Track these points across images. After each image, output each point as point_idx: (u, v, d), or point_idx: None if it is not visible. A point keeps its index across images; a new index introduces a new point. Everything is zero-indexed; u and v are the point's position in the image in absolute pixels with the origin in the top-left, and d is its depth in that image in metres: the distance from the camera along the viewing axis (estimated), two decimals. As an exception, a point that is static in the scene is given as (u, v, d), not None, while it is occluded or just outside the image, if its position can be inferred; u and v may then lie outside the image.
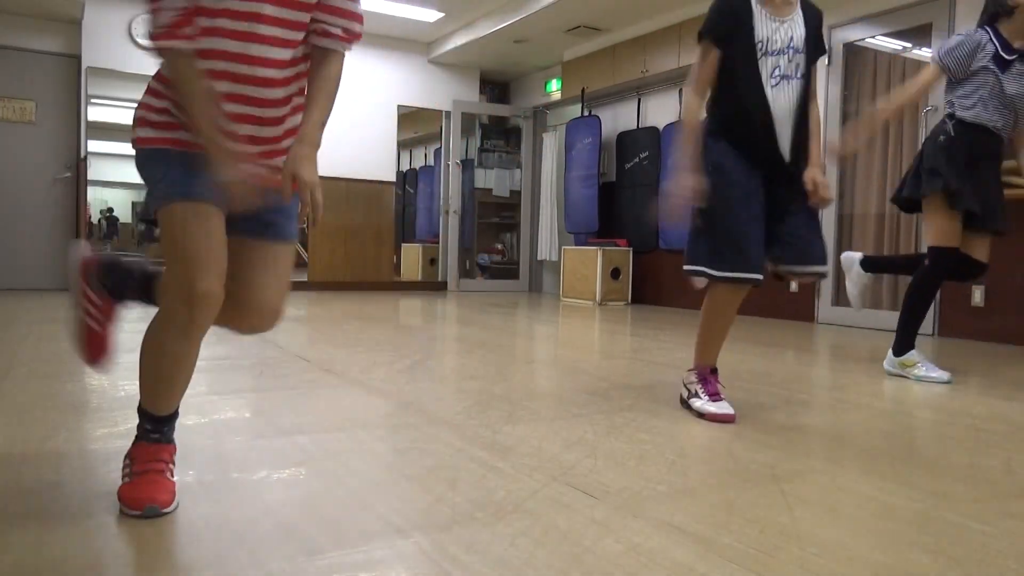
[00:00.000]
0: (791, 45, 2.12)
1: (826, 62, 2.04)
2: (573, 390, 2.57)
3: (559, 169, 8.04)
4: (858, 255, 3.40)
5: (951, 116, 2.93)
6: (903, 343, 2.99)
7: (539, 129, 8.62)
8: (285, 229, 1.42)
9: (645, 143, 6.94)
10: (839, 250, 5.23)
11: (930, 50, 4.72)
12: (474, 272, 9.11)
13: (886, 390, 2.74)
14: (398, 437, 1.87)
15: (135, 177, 1.38)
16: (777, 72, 2.11)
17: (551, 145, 8.25)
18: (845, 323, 5.08)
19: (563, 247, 7.31)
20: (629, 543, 1.21)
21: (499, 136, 9.11)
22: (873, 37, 5.09)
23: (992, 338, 4.29)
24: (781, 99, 2.12)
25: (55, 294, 6.27)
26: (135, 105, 1.40)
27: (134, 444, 1.39)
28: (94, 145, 6.87)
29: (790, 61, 2.12)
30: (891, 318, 3.28)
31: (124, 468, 1.37)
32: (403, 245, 9.29)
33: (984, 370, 3.23)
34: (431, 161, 9.99)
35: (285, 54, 1.34)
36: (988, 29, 2.87)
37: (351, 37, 1.41)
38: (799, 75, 2.13)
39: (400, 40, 7.85)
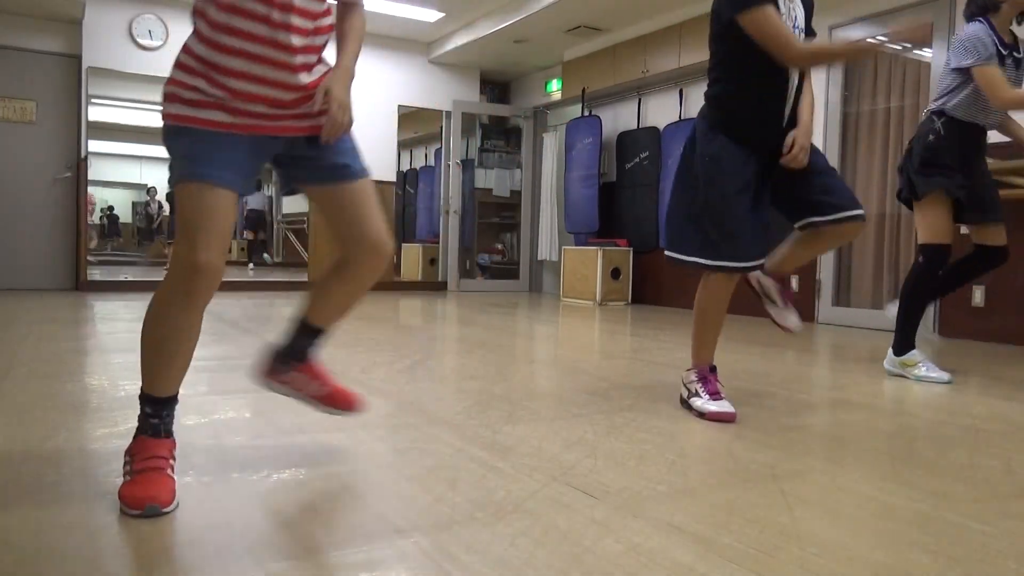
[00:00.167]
0: (796, 25, 2.20)
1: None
2: (573, 390, 2.57)
3: (559, 169, 8.04)
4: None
5: (940, 114, 2.93)
6: (903, 342, 2.99)
7: (539, 129, 8.62)
8: (355, 168, 1.53)
9: (645, 143, 6.94)
10: (840, 250, 5.24)
11: (930, 50, 4.72)
12: (474, 272, 9.11)
13: (886, 390, 2.74)
14: (398, 437, 1.87)
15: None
16: None
17: (551, 145, 8.25)
18: (845, 323, 5.08)
19: (563, 247, 7.31)
20: (629, 543, 1.21)
21: (499, 136, 9.10)
22: (873, 37, 5.08)
23: (992, 338, 4.29)
24: (792, 80, 2.20)
25: (55, 294, 6.27)
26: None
27: (134, 439, 1.40)
28: (94, 145, 6.88)
29: None
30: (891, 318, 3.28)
31: (125, 465, 1.37)
32: (403, 245, 9.29)
33: (984, 370, 3.23)
34: (431, 161, 10.00)
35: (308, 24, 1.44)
36: (984, 21, 2.87)
37: None
38: None
39: (400, 40, 7.85)
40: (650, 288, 6.88)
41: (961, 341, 4.33)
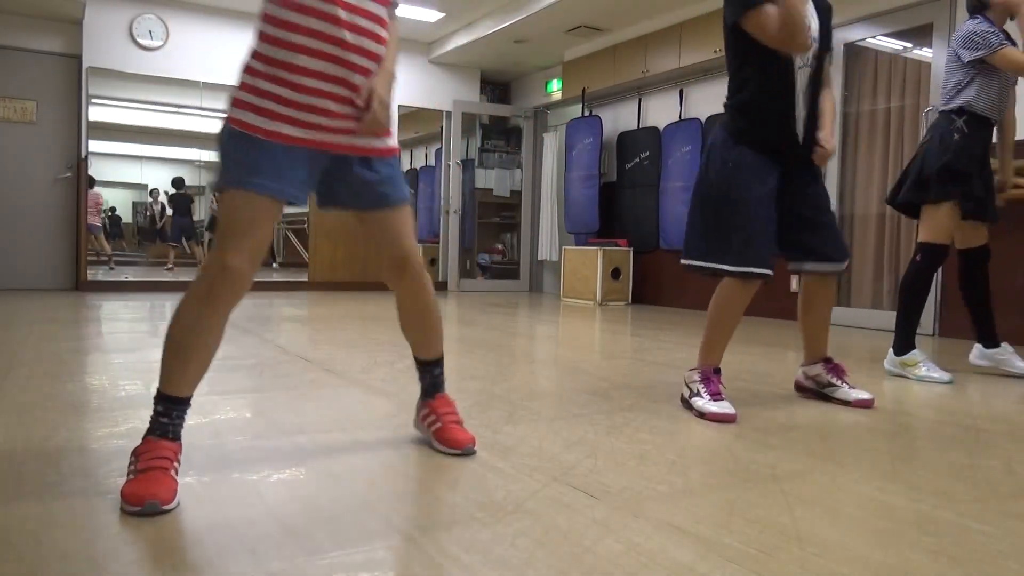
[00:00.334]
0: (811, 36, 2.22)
1: (829, 61, 2.05)
2: (573, 390, 2.57)
3: (559, 169, 8.04)
4: (975, 349, 3.19)
5: (960, 112, 2.90)
6: (904, 342, 2.99)
7: (540, 129, 8.62)
8: (393, 197, 1.62)
9: (646, 143, 6.94)
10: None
11: (930, 50, 4.72)
12: (474, 272, 9.11)
13: (887, 390, 2.74)
14: (398, 437, 1.87)
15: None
16: (803, 59, 2.21)
17: (551, 145, 8.25)
18: (845, 323, 5.08)
19: (563, 247, 7.31)
20: (629, 543, 1.21)
21: (499, 136, 9.10)
22: (874, 37, 5.09)
23: (993, 338, 4.28)
24: (799, 87, 2.23)
25: (55, 294, 6.27)
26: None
27: (142, 440, 1.41)
28: (95, 145, 6.88)
29: (808, 51, 2.23)
30: (891, 318, 3.28)
31: (129, 465, 1.38)
32: (403, 245, 9.27)
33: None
34: (431, 161, 9.99)
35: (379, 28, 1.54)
36: (984, 17, 2.87)
37: None
38: (811, 63, 2.25)
39: (401, 40, 7.84)
40: (650, 288, 6.88)
41: (961, 341, 4.32)
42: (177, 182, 9.23)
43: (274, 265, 10.06)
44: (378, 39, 1.54)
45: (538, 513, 1.33)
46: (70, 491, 1.39)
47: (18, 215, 6.61)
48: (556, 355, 3.66)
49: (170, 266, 9.21)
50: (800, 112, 2.23)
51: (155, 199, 11.74)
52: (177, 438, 1.43)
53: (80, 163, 6.72)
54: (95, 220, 8.77)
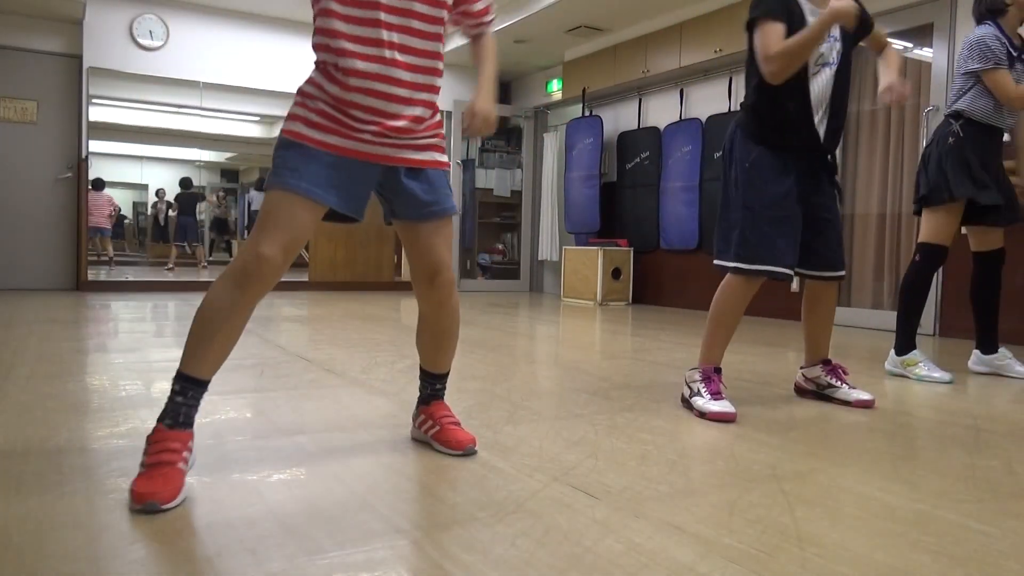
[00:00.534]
0: (831, 34, 2.23)
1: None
2: (574, 390, 2.57)
3: (560, 169, 8.04)
4: (973, 356, 3.18)
5: (957, 116, 2.92)
6: (904, 342, 3.00)
7: (540, 129, 8.62)
8: (440, 208, 1.65)
9: (646, 143, 6.94)
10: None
11: (930, 50, 4.71)
12: (475, 272, 9.11)
13: (887, 390, 2.74)
14: (398, 437, 1.87)
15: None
16: (820, 60, 2.21)
17: (552, 145, 8.24)
18: (846, 323, 5.08)
19: (564, 247, 7.31)
20: (630, 543, 1.21)
21: (500, 136, 9.10)
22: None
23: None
24: (817, 86, 2.22)
25: (56, 294, 6.27)
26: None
27: (154, 428, 1.43)
28: (95, 145, 6.88)
29: (831, 49, 2.23)
30: (891, 318, 3.28)
31: (142, 455, 1.40)
32: (404, 245, 9.28)
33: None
34: (432, 161, 9.98)
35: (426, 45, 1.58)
36: (992, 23, 2.87)
37: (487, 14, 1.74)
38: (837, 61, 2.24)
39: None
40: (651, 288, 6.88)
41: (962, 341, 4.32)
42: (185, 182, 9.24)
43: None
44: (429, 55, 1.58)
45: (539, 513, 1.33)
46: (71, 491, 1.39)
47: (19, 215, 6.61)
48: (556, 355, 3.66)
49: (171, 266, 9.22)
50: (819, 112, 2.23)
51: (161, 199, 11.77)
52: (189, 425, 1.45)
53: (81, 163, 6.72)
54: (105, 223, 8.77)
